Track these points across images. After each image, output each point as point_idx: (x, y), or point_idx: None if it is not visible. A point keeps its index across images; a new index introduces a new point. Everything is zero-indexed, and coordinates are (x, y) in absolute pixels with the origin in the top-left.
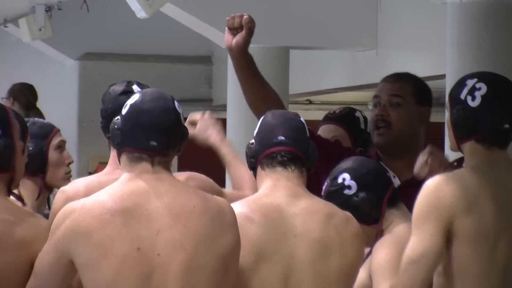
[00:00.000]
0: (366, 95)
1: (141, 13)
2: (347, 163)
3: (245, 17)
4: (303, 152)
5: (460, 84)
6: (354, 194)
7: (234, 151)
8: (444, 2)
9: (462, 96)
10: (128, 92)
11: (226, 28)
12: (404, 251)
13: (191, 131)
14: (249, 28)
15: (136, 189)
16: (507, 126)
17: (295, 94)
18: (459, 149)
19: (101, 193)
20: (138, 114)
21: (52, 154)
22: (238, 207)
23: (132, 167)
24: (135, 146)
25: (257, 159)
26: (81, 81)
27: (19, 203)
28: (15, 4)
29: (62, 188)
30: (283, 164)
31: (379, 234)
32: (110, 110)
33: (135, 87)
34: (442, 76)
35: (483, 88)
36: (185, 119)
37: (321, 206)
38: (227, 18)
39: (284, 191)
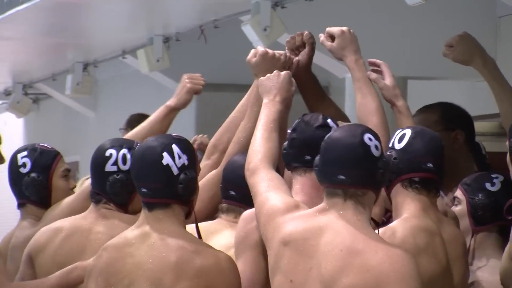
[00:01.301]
0: (485, 125)
1: (258, 44)
2: None
3: (305, 33)
4: None
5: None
6: None
7: (366, 78)
8: None
9: None
10: (325, 126)
11: (286, 49)
12: None
13: (328, 45)
14: (311, 43)
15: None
16: None
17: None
18: None
19: None
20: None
21: (58, 182)
22: None
23: None
24: None
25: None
26: (198, 111)
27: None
28: (133, 35)
29: None
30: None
31: None
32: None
33: (330, 121)
34: None
35: None
36: None
37: None
38: (287, 39)
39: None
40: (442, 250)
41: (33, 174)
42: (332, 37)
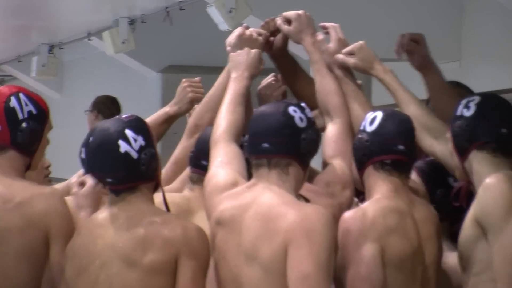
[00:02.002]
0: None
1: (224, 26)
2: None
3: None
4: None
5: (456, 106)
6: None
7: (322, 60)
8: None
9: (458, 113)
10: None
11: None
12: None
13: (285, 29)
14: None
15: None
16: (504, 130)
17: (378, 106)
18: (464, 170)
19: None
20: None
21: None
22: None
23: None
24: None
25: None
26: (164, 93)
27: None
28: (98, 17)
29: None
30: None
31: None
32: None
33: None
34: None
35: (476, 98)
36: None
37: None
38: (261, 24)
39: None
40: (413, 231)
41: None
42: (288, 21)
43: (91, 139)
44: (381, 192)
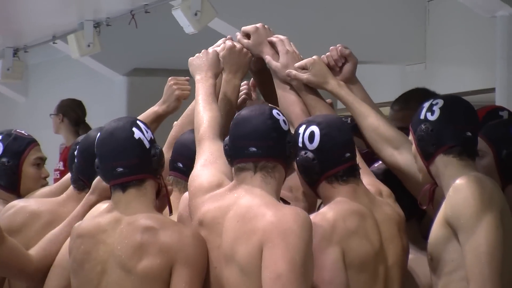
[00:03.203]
0: None
1: (189, 29)
2: None
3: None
4: None
5: (419, 109)
6: None
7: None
8: (493, 15)
9: (422, 116)
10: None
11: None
12: None
13: (244, 43)
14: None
15: None
16: (469, 134)
17: (344, 108)
18: (429, 173)
19: None
20: None
21: (28, 170)
22: None
23: None
24: None
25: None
26: (129, 96)
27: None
28: (63, 20)
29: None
30: None
31: None
32: None
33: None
34: (492, 90)
35: (439, 102)
36: None
37: None
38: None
39: None
40: (374, 232)
41: (3, 159)
42: (248, 35)
43: (99, 134)
44: (339, 197)
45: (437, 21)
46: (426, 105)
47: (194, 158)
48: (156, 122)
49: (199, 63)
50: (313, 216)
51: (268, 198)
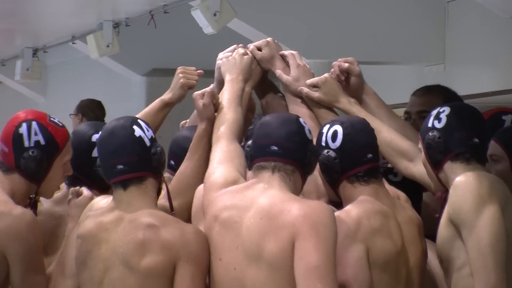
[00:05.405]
0: None
1: (208, 29)
2: None
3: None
4: None
5: (427, 117)
6: None
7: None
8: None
9: (430, 124)
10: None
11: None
12: None
13: (257, 55)
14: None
15: None
16: (476, 140)
17: None
18: (439, 180)
19: None
20: None
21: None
22: None
23: None
24: None
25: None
26: (148, 96)
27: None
28: (83, 20)
29: None
30: None
31: None
32: None
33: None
34: (511, 91)
35: (446, 109)
36: None
37: None
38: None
39: None
40: (397, 232)
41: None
42: (259, 49)
43: (100, 133)
44: (362, 197)
45: (456, 22)
46: (434, 113)
47: (184, 156)
48: (163, 111)
49: (233, 64)
50: (337, 214)
51: (289, 194)
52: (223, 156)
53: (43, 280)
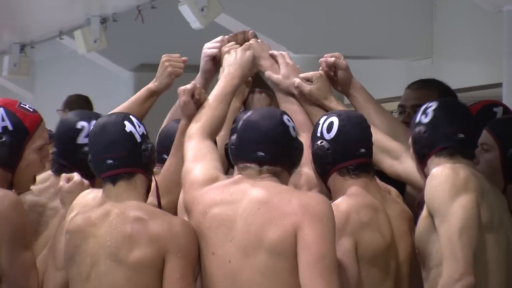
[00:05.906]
0: None
1: (196, 24)
2: None
3: (250, 32)
4: None
5: (416, 113)
6: None
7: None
8: (500, 10)
9: (417, 119)
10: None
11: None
12: None
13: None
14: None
15: None
16: (461, 135)
17: (349, 104)
18: (424, 176)
19: None
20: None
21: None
22: None
23: None
24: None
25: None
26: (136, 91)
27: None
28: (70, 16)
29: None
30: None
31: None
32: None
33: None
34: (499, 85)
35: (433, 104)
36: None
37: None
38: (228, 36)
39: None
40: (386, 226)
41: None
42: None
43: (92, 127)
44: (352, 190)
45: (444, 16)
46: (422, 108)
47: None
48: (149, 100)
49: (233, 58)
50: None
51: (283, 185)
52: (195, 154)
53: (31, 256)
